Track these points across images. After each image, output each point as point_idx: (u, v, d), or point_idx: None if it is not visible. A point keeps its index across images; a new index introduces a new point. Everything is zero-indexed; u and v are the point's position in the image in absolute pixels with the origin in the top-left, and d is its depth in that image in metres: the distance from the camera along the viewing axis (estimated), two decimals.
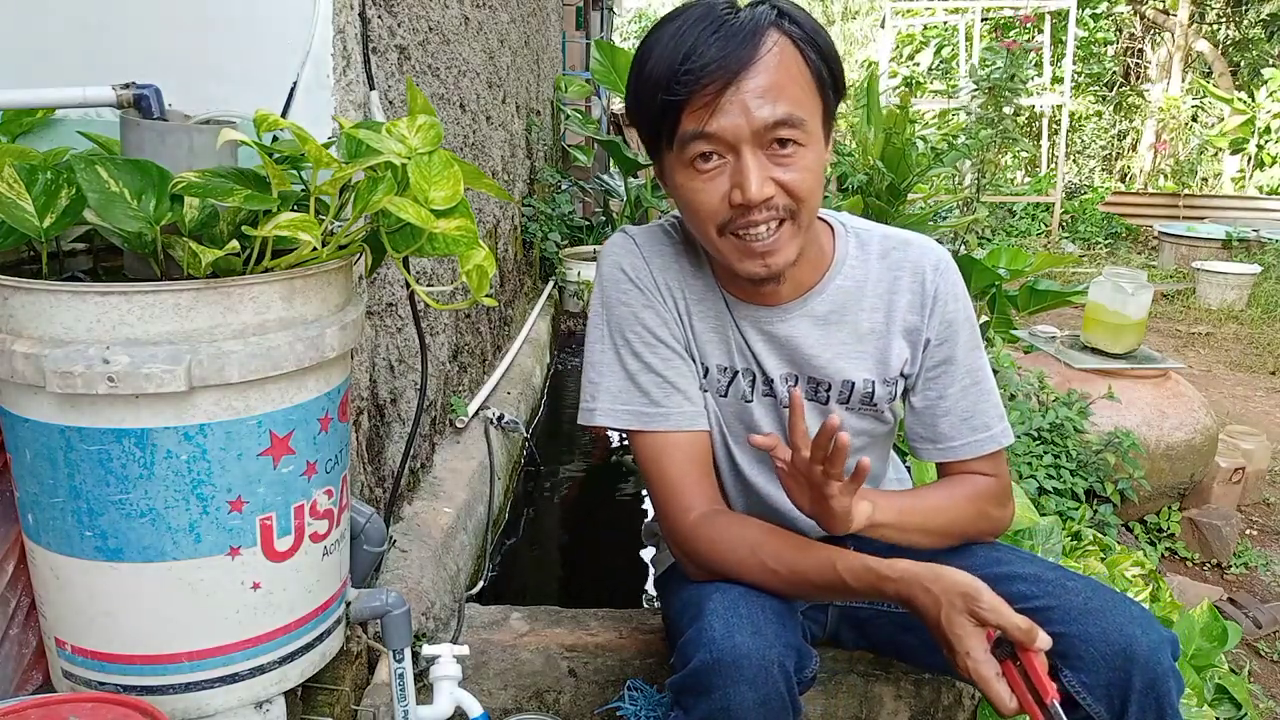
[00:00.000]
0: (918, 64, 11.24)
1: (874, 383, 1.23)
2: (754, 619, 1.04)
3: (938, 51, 11.07)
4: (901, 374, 1.24)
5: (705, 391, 1.24)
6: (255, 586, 1.02)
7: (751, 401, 1.24)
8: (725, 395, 1.25)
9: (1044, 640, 0.94)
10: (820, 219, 1.23)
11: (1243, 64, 11.79)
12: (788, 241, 1.08)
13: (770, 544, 1.12)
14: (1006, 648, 0.95)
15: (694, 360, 1.23)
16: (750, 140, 1.03)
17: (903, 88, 8.95)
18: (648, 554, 2.28)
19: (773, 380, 1.23)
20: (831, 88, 1.08)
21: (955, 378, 1.22)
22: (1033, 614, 1.09)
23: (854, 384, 1.23)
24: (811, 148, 1.05)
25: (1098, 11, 11.07)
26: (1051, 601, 1.09)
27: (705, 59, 1.00)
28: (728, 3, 1.05)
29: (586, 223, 5.50)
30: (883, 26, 9.73)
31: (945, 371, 1.23)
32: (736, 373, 1.23)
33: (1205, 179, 10.89)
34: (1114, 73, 11.89)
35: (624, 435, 1.29)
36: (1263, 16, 11.38)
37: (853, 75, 11.39)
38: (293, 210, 0.98)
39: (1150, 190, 10.31)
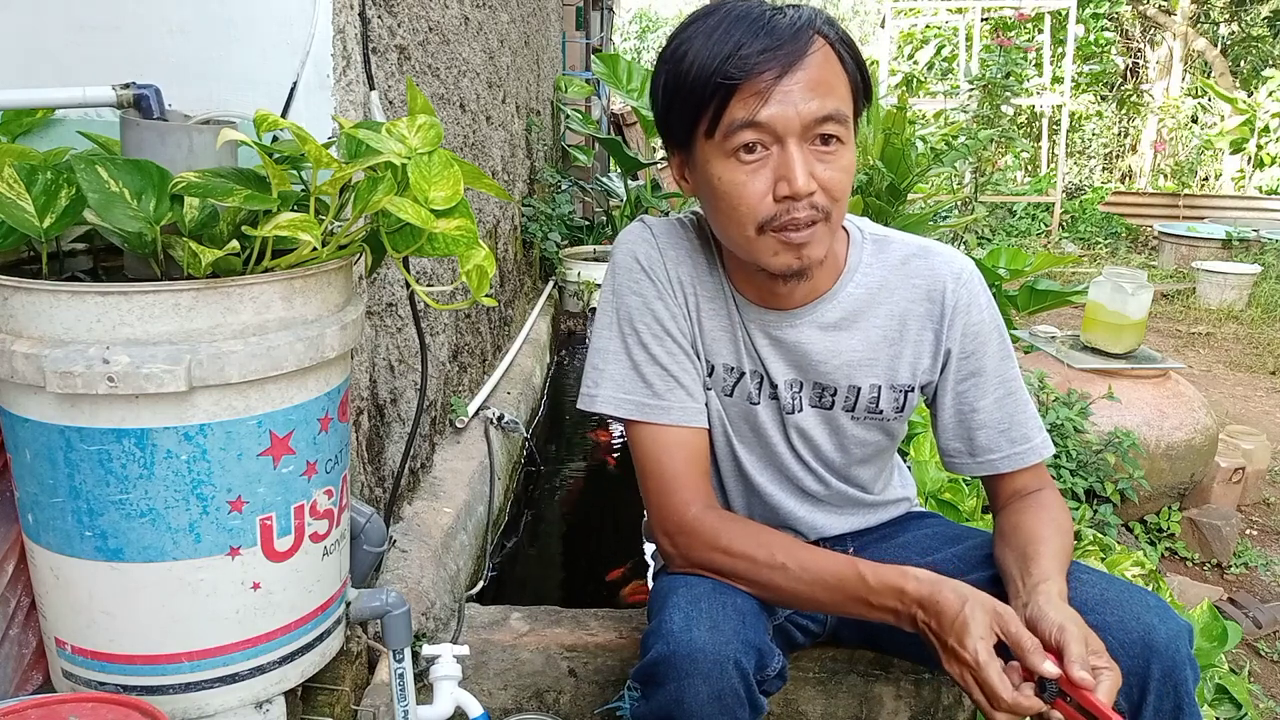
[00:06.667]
0: (917, 62, 11.23)
1: (880, 388, 1.22)
2: (713, 615, 1.04)
3: (938, 51, 11.05)
4: (917, 385, 1.22)
5: (709, 390, 1.24)
6: (255, 586, 1.02)
7: (758, 404, 1.24)
8: (731, 395, 1.24)
9: (1050, 669, 0.93)
10: None
11: (1243, 64, 11.78)
12: (820, 240, 1.08)
13: (780, 540, 1.11)
14: (1053, 688, 0.93)
15: (699, 357, 1.23)
16: (797, 133, 1.03)
17: (902, 88, 8.95)
18: (649, 553, 2.28)
19: (777, 385, 1.22)
20: (863, 94, 1.10)
21: (987, 389, 1.21)
22: None
23: (860, 390, 1.22)
24: (849, 147, 1.07)
25: (1098, 11, 11.06)
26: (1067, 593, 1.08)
27: (758, 48, 1.01)
28: (767, 5, 1.06)
29: (586, 223, 5.50)
30: (883, 26, 9.72)
31: (976, 384, 1.21)
32: (744, 374, 1.23)
33: (1205, 179, 10.89)
34: (1114, 72, 11.88)
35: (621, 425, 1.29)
36: (1264, 15, 11.38)
37: None
38: (293, 210, 0.98)
39: (1150, 190, 10.31)
